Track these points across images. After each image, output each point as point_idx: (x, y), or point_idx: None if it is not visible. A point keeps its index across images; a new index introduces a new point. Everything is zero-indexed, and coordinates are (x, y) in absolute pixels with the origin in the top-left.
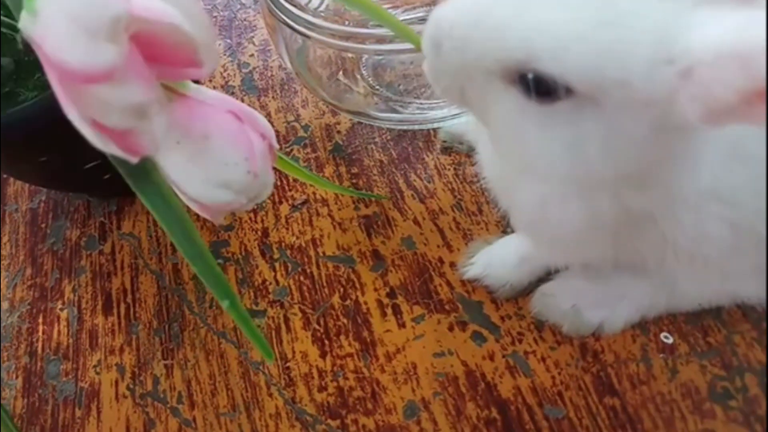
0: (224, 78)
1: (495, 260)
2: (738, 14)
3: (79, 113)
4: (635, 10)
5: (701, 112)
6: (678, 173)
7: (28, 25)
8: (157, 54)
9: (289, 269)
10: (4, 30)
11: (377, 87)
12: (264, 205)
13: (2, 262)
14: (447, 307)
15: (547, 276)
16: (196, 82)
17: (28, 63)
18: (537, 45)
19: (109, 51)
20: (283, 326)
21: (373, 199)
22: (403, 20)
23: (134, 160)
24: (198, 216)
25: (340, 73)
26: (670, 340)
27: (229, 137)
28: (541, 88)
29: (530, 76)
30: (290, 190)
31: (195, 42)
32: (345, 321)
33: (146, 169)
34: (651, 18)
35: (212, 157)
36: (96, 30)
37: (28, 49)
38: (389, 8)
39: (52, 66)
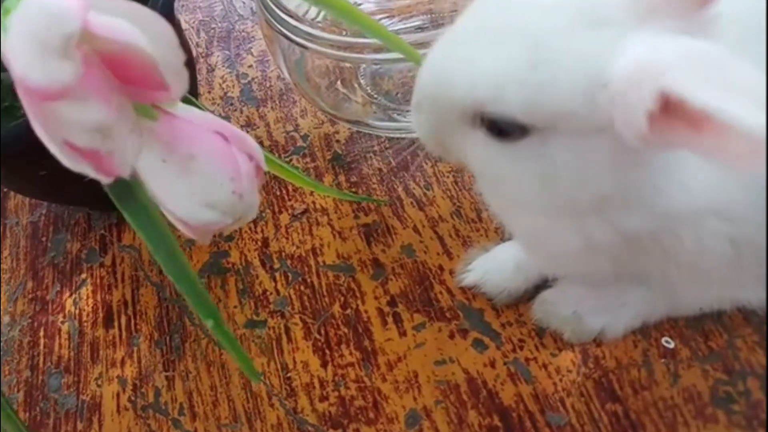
0: (223, 89)
1: (492, 267)
2: (657, 38)
3: (47, 132)
4: (567, 43)
5: (632, 135)
6: (666, 192)
7: (2, 43)
8: (127, 74)
9: (290, 279)
10: None
11: (375, 96)
12: (264, 215)
13: (3, 276)
14: (448, 314)
15: (545, 283)
16: (194, 95)
17: None
18: (480, 92)
19: (62, 68)
20: (284, 336)
21: (372, 207)
22: (399, 29)
23: (107, 180)
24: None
25: (338, 82)
26: (672, 345)
27: (214, 157)
28: (497, 128)
29: (485, 119)
30: (290, 200)
31: (157, 64)
32: (346, 330)
33: (131, 187)
34: (584, 48)
35: (197, 177)
36: (51, 47)
37: None
38: (385, 17)
39: (19, 84)
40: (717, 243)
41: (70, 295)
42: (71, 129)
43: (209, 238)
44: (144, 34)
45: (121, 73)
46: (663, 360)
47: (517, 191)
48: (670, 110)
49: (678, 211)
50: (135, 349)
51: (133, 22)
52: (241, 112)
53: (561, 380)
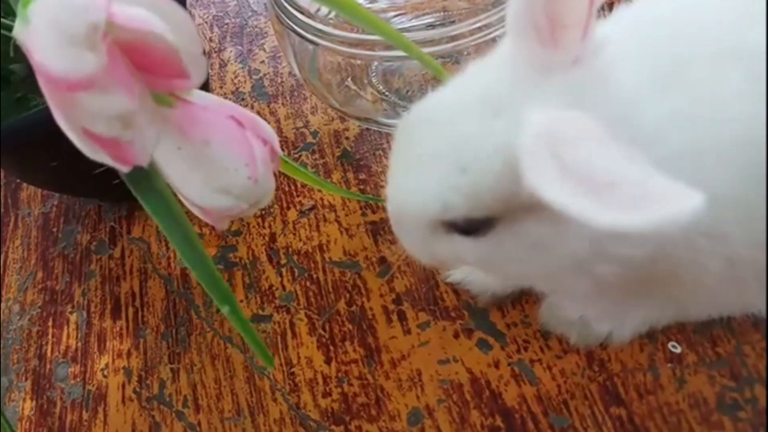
0: (235, 84)
1: None
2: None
3: (67, 121)
4: (483, 140)
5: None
6: None
7: (21, 32)
8: (147, 64)
9: (296, 275)
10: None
11: (386, 93)
12: (272, 210)
13: (14, 266)
14: (453, 314)
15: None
16: (206, 89)
17: None
18: (430, 209)
19: (88, 59)
20: (288, 331)
21: (380, 205)
22: (410, 26)
23: (125, 169)
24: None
25: (349, 79)
26: (678, 350)
27: (229, 143)
28: (464, 229)
29: (450, 225)
30: (298, 196)
31: (179, 52)
32: (350, 327)
33: (148, 175)
34: (496, 139)
35: (213, 163)
36: (75, 38)
37: None
38: (396, 15)
39: (41, 73)
40: (712, 262)
41: (79, 285)
42: (93, 118)
43: (226, 224)
44: (164, 24)
45: (140, 62)
46: (669, 365)
47: (515, 270)
48: None
49: (670, 235)
50: (141, 340)
51: (153, 12)
52: (252, 107)
53: (565, 382)
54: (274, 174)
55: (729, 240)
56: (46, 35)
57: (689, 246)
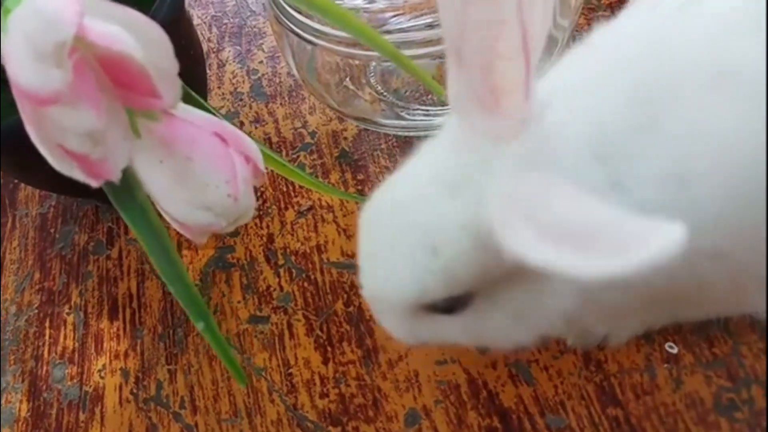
0: (233, 84)
1: None
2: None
3: (38, 134)
4: (445, 219)
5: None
6: None
7: (2, 41)
8: (124, 80)
9: (294, 275)
10: None
11: (384, 93)
12: (270, 211)
13: (12, 266)
14: None
15: None
16: (204, 90)
17: None
18: (407, 294)
19: (54, 75)
20: (286, 332)
21: None
22: (409, 26)
23: (96, 184)
24: None
25: (347, 79)
26: (675, 350)
27: (211, 159)
28: (444, 309)
29: (429, 307)
30: (296, 196)
31: (150, 72)
32: (348, 327)
33: (130, 187)
34: (459, 218)
35: (194, 178)
36: (43, 53)
37: None
38: (395, 15)
39: (14, 85)
40: (716, 279)
41: (77, 286)
42: (62, 134)
43: (205, 239)
44: (139, 42)
45: (118, 78)
46: (666, 365)
47: (505, 338)
48: None
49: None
50: (138, 341)
51: (128, 29)
52: (251, 107)
53: (562, 383)
54: (273, 174)
55: (732, 259)
56: (19, 47)
57: (692, 269)
